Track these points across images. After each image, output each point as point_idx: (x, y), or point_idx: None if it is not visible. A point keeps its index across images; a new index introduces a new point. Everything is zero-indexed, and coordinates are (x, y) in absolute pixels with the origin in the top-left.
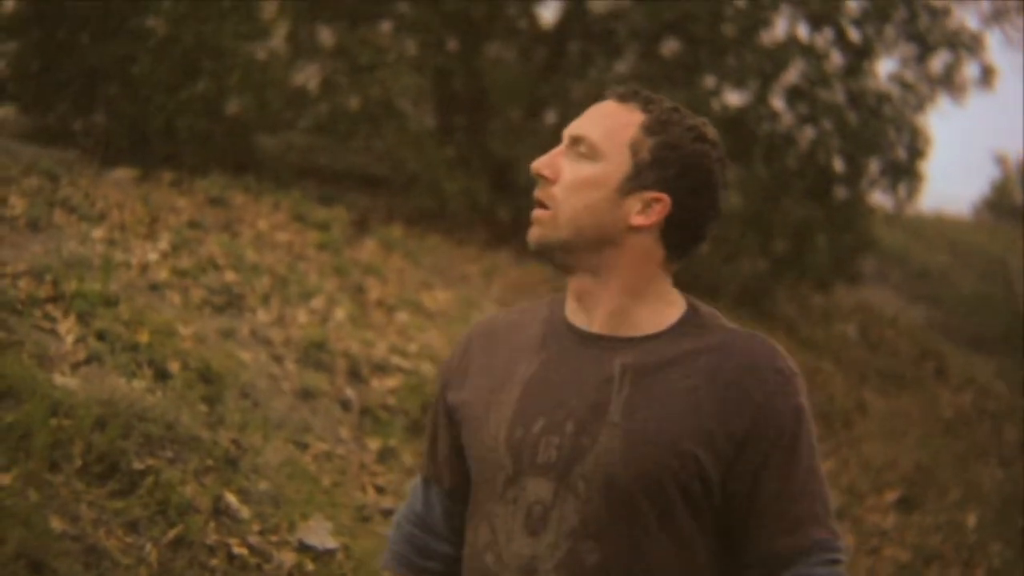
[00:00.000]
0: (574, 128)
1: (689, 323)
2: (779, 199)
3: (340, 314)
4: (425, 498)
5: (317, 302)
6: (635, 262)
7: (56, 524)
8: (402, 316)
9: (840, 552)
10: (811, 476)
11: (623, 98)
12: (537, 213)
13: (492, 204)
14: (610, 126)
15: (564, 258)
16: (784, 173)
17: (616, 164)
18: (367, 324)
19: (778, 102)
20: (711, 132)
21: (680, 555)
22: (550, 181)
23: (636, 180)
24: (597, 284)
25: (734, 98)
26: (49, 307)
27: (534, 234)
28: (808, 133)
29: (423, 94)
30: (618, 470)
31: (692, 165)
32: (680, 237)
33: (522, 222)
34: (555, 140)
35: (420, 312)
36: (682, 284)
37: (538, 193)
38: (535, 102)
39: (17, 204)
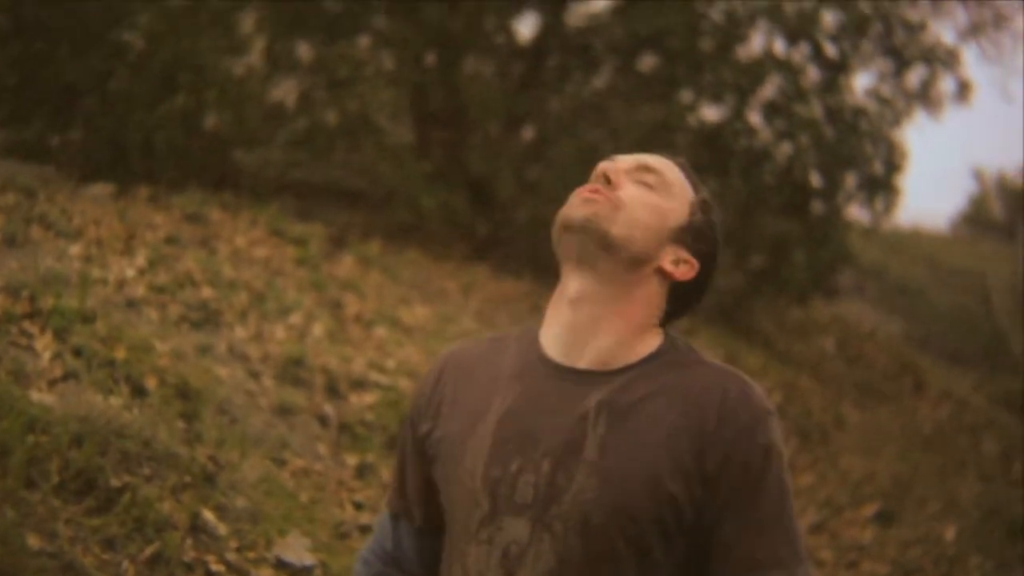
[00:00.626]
0: (644, 159)
1: (664, 356)
2: (756, 214)
3: (318, 330)
4: (394, 535)
5: (295, 318)
6: (643, 300)
7: (33, 541)
8: (380, 331)
9: None
10: (777, 517)
11: (682, 168)
12: (593, 195)
13: (470, 219)
14: (678, 179)
15: (595, 252)
16: (761, 188)
17: (678, 210)
18: (345, 340)
19: (755, 117)
20: None
21: None
22: (613, 186)
23: (683, 235)
24: (600, 298)
25: (711, 113)
26: (26, 323)
27: (587, 209)
28: (785, 148)
29: (401, 109)
30: (594, 509)
31: (714, 255)
32: (679, 304)
33: (500, 237)
34: (532, 154)
35: (398, 327)
36: None
37: (597, 187)
38: (513, 117)
39: None
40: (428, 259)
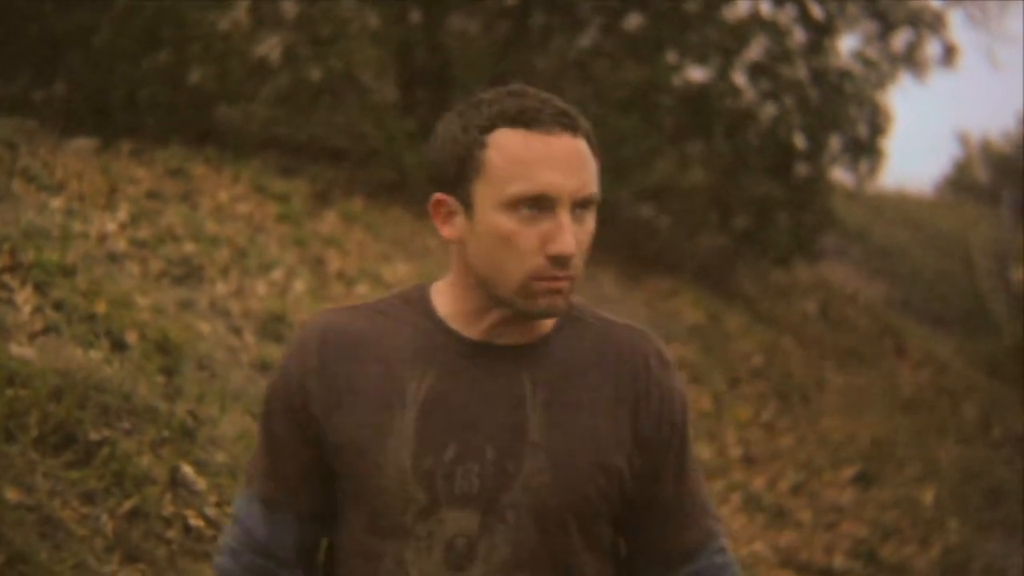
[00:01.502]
0: (581, 189)
1: (570, 318)
2: (740, 175)
3: (299, 286)
4: (269, 523)
5: (276, 274)
6: None
7: (11, 495)
8: (362, 288)
9: (725, 537)
10: (696, 465)
11: (576, 131)
12: (566, 285)
13: None
14: (594, 173)
15: None
16: (745, 149)
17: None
18: (326, 296)
19: (740, 78)
20: None
21: (601, 566)
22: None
23: None
24: None
25: (696, 74)
26: (6, 277)
27: (562, 305)
28: (770, 109)
29: (385, 66)
30: (549, 493)
31: None
32: None
33: None
34: None
35: (380, 284)
36: (643, 260)
37: (565, 271)
38: (498, 76)
39: None
40: (410, 217)
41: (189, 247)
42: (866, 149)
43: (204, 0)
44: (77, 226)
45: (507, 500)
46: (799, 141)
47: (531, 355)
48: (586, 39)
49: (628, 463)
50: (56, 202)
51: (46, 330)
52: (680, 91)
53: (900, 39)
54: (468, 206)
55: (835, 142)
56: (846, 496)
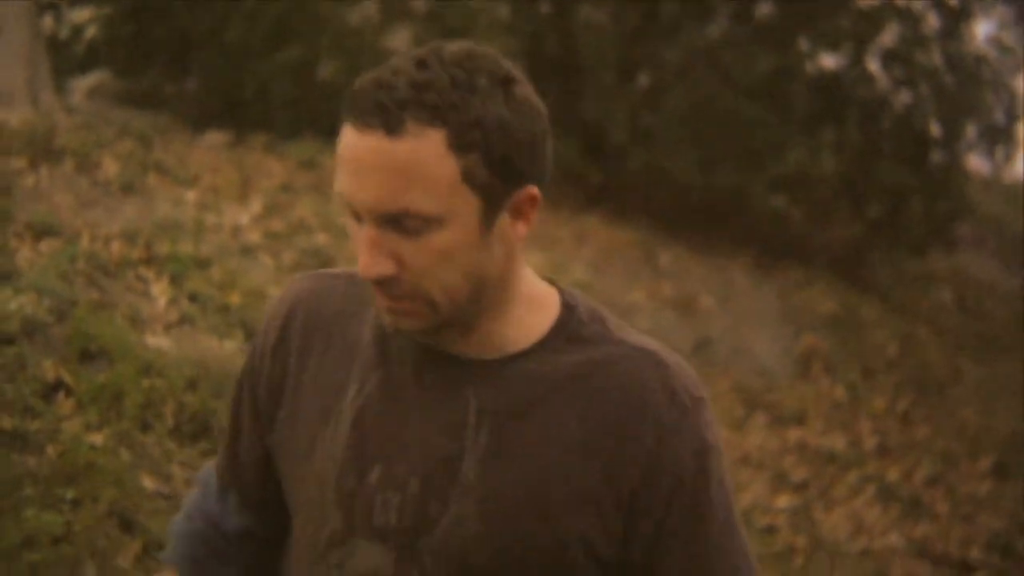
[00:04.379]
0: (380, 203)
1: (564, 332)
2: (873, 163)
3: None
4: (222, 503)
5: None
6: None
7: (148, 483)
8: None
9: None
10: (726, 533)
11: (394, 129)
12: (403, 306)
13: (583, 167)
14: (424, 182)
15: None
16: (879, 137)
17: (466, 214)
18: None
19: (874, 65)
20: None
21: None
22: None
23: (492, 207)
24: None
25: (829, 61)
26: (142, 269)
27: (408, 326)
28: (904, 97)
29: (515, 58)
30: (475, 548)
31: (534, 138)
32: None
33: (612, 185)
34: (646, 103)
35: None
36: (775, 250)
37: (387, 293)
38: (627, 65)
39: (111, 167)
40: (541, 207)
41: (321, 238)
42: (1002, 136)
43: None
44: (211, 219)
45: (425, 544)
46: (934, 128)
47: (492, 373)
48: (716, 28)
49: (601, 527)
50: (190, 195)
51: (181, 321)
52: (812, 79)
53: None
54: None
55: (971, 129)
56: (983, 487)
